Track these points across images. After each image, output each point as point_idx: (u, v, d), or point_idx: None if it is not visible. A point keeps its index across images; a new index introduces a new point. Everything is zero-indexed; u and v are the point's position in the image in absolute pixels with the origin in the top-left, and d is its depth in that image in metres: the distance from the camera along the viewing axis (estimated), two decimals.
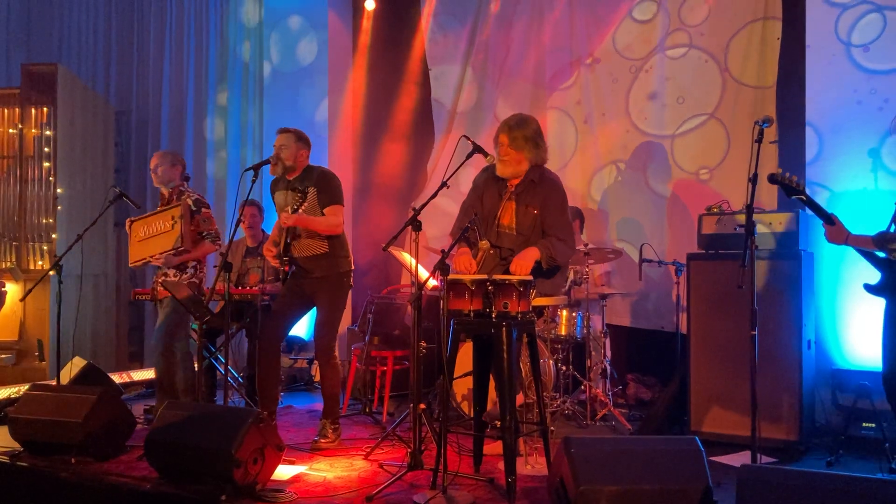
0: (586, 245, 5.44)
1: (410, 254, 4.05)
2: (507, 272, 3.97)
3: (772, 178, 3.74)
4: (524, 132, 4.04)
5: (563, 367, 5.36)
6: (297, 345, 7.29)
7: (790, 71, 5.57)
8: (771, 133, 5.52)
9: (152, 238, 4.98)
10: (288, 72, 7.62)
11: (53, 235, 6.82)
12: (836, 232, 3.86)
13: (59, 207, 6.84)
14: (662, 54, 6.13)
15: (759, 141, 3.49)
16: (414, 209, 3.98)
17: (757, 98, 5.74)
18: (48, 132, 6.89)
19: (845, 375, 4.98)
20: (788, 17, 5.61)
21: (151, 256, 5.02)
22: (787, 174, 3.74)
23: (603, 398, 5.35)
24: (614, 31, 6.34)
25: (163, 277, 5.16)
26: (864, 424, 4.59)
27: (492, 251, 4.11)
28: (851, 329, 5.03)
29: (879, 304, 3.92)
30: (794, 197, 3.79)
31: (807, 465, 4.33)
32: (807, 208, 4.01)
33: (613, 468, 3.12)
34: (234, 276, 6.04)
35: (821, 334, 5.06)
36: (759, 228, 4.60)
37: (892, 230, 3.87)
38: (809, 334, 4.65)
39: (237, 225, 4.48)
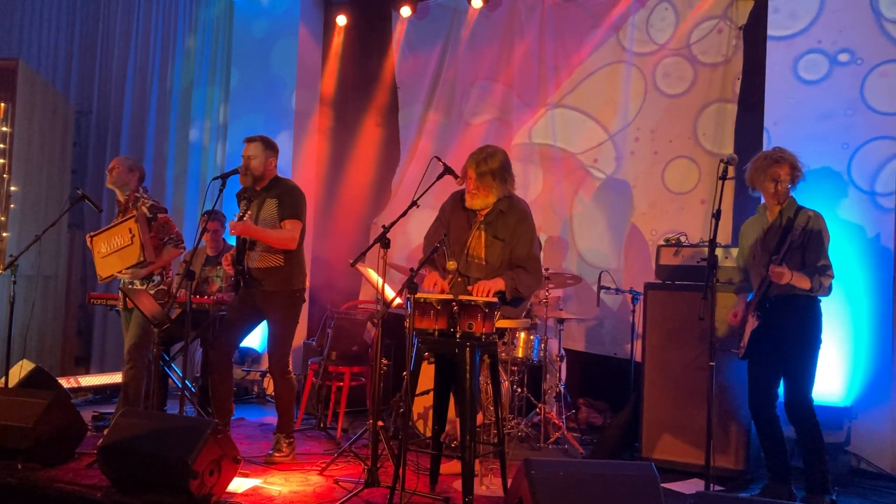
0: (546, 269, 5.52)
1: (377, 271, 4.06)
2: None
3: None
4: (491, 167, 4.07)
5: (519, 389, 5.42)
6: (250, 356, 7.22)
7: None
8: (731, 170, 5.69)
9: (115, 253, 4.90)
10: (255, 80, 7.59)
11: (4, 234, 6.66)
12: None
13: (12, 206, 6.68)
14: (626, 100, 6.28)
15: (724, 178, 3.61)
16: (383, 227, 4.00)
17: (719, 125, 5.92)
18: (5, 128, 6.74)
19: None
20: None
21: (118, 272, 4.95)
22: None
23: (557, 421, 5.42)
24: (583, 64, 6.47)
25: (128, 285, 5.07)
26: None
27: (459, 278, 4.14)
28: None
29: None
30: None
31: (753, 493, 4.44)
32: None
33: (572, 491, 3.17)
34: (194, 285, 5.96)
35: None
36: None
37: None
38: None
39: (201, 235, 4.44)
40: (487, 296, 3.91)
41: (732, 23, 5.85)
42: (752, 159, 4.31)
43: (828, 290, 4.12)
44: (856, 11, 5.20)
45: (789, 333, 4.12)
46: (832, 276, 4.12)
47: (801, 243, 4.03)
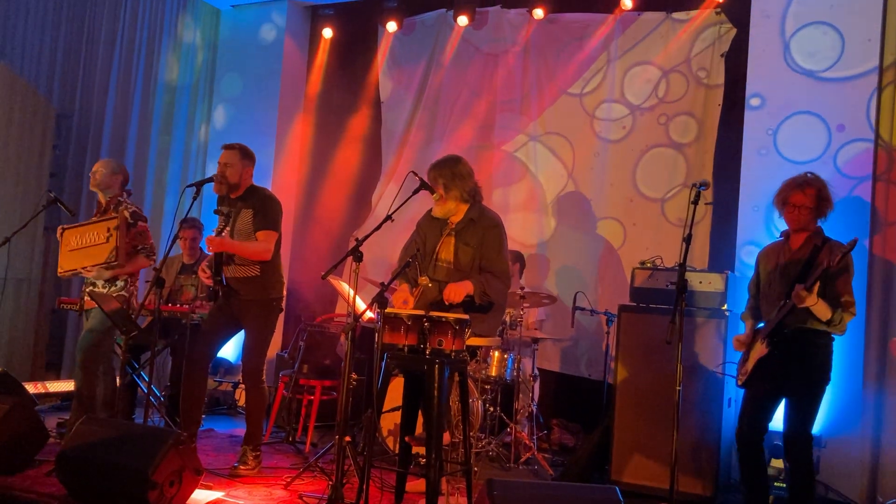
0: (523, 288, 5.51)
1: (349, 284, 4.03)
2: (442, 303, 4.02)
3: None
4: (441, 172, 4.18)
5: (491, 408, 5.38)
6: (223, 367, 7.14)
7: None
8: (707, 195, 5.71)
9: (85, 249, 4.85)
10: (239, 89, 7.57)
11: None
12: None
13: None
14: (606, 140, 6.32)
15: (696, 202, 3.61)
16: (357, 239, 3.99)
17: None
18: None
19: None
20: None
21: (83, 268, 4.89)
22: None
23: (527, 441, 5.38)
24: (561, 93, 6.52)
25: (90, 287, 5.02)
26: (775, 484, 4.71)
27: (430, 285, 4.15)
28: None
29: None
30: None
31: None
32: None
33: None
34: (167, 293, 5.91)
35: (741, 394, 5.19)
36: (690, 286, 4.72)
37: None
38: (731, 392, 4.78)
39: (173, 241, 4.41)
40: (457, 299, 3.97)
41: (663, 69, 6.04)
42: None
43: (844, 329, 3.97)
44: (770, 59, 5.31)
45: (799, 367, 3.97)
46: (854, 314, 3.95)
47: (830, 275, 3.83)
